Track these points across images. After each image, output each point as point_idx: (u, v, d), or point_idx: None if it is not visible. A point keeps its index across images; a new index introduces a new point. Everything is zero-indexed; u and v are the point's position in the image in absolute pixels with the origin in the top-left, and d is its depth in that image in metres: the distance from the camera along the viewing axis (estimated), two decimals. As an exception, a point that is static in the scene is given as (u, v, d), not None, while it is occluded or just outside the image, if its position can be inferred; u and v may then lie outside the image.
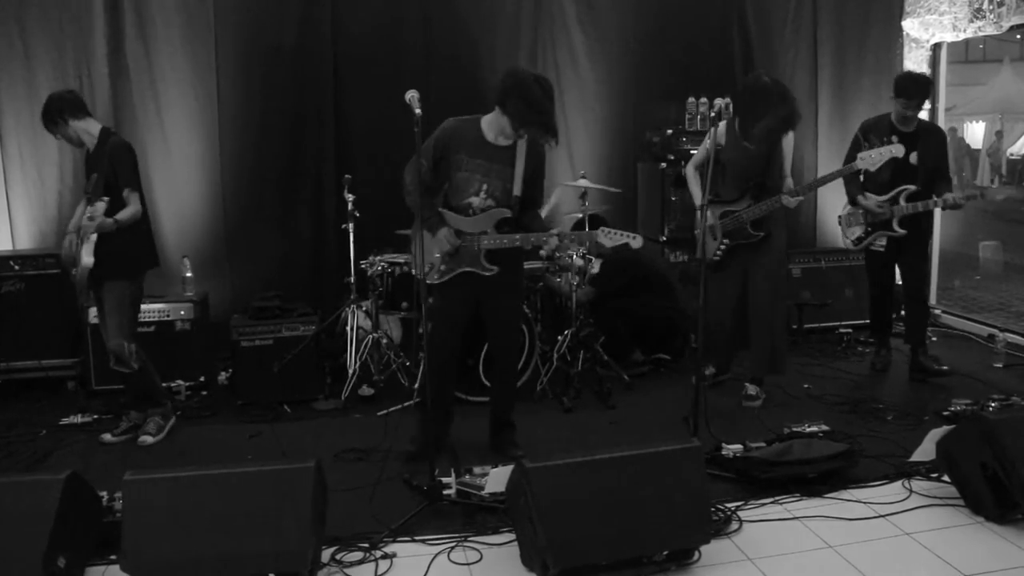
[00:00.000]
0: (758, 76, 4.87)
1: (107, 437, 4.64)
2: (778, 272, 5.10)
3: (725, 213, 5.01)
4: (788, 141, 4.92)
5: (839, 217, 5.77)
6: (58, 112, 4.42)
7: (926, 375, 5.56)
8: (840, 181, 5.34)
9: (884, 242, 5.48)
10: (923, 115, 7.11)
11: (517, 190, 4.12)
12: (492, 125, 4.06)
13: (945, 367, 5.61)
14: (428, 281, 4.13)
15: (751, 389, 5.16)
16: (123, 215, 4.36)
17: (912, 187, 5.30)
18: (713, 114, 4.47)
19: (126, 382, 4.66)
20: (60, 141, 4.59)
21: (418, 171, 3.91)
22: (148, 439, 4.57)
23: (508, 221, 4.16)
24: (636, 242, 4.18)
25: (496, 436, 4.51)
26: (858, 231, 5.55)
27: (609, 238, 4.17)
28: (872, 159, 4.73)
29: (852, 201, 5.55)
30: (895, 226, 5.36)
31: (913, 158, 5.29)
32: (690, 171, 5.25)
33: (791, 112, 4.71)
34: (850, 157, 5.43)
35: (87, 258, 4.29)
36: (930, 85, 5.36)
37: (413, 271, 4.38)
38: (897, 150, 4.71)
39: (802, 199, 4.87)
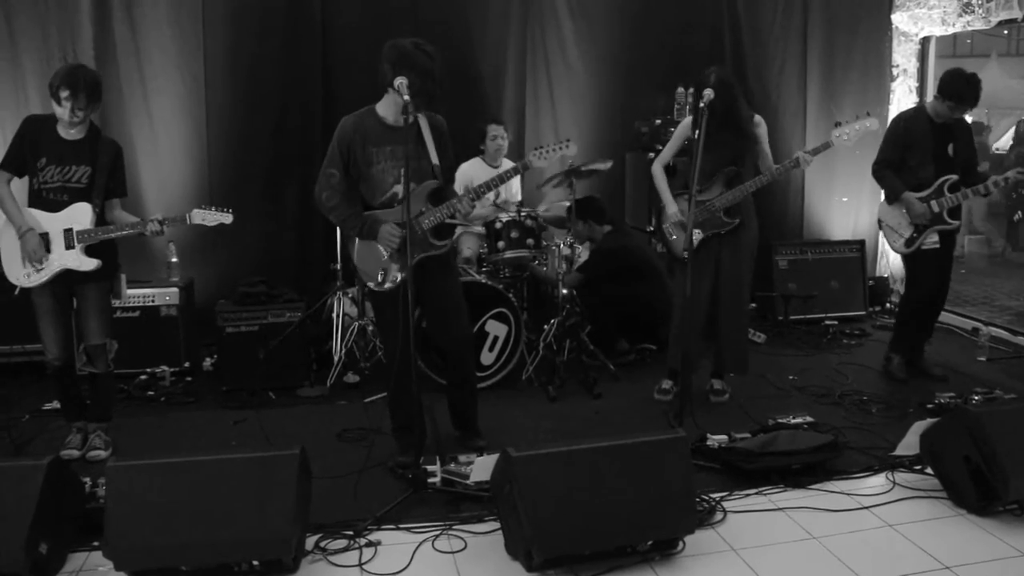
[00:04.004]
0: (731, 77, 4.70)
1: (74, 453, 4.30)
2: (749, 265, 4.95)
3: (696, 204, 4.74)
4: (762, 131, 4.80)
5: (879, 221, 5.46)
6: (101, 92, 4.07)
7: (925, 377, 5.44)
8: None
9: (936, 238, 5.19)
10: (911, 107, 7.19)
11: (435, 159, 3.99)
12: (388, 108, 3.92)
13: (940, 372, 5.49)
14: (388, 287, 4.02)
15: (717, 384, 5.11)
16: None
17: (954, 176, 5.11)
18: (702, 104, 4.34)
19: (95, 385, 4.39)
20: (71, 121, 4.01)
21: (331, 184, 3.90)
22: (101, 453, 4.28)
23: (438, 193, 4.05)
24: (570, 149, 4.04)
25: (459, 428, 4.44)
26: (908, 231, 5.23)
27: (543, 158, 4.03)
28: (848, 135, 4.58)
29: (894, 198, 5.26)
30: (947, 218, 5.13)
31: (951, 150, 5.15)
32: (657, 170, 5.00)
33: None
34: (887, 153, 5.26)
35: (89, 260, 4.09)
36: (980, 88, 4.96)
37: (369, 284, 4.12)
38: (872, 124, 4.58)
39: (814, 160, 4.63)
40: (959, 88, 4.99)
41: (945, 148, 5.13)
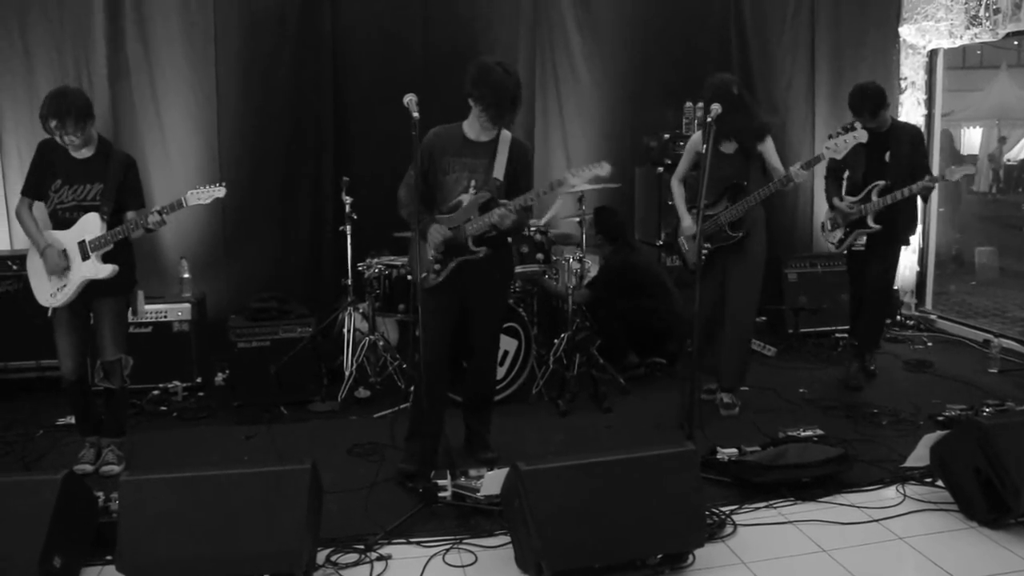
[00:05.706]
0: (728, 83, 4.79)
1: (87, 468, 4.33)
2: (756, 278, 4.99)
3: (704, 218, 4.76)
4: (768, 145, 4.84)
5: (822, 224, 5.80)
6: (90, 111, 4.15)
7: (848, 383, 5.59)
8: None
9: (864, 240, 5.49)
10: (919, 119, 7.22)
11: (498, 173, 4.11)
12: (472, 123, 4.09)
13: (861, 386, 5.58)
14: (429, 285, 4.13)
15: (726, 397, 5.09)
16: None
17: (883, 182, 5.30)
18: (709, 119, 4.38)
19: (111, 400, 4.43)
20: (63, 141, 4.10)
21: (414, 185, 3.94)
22: (114, 468, 4.30)
23: (489, 205, 4.12)
24: (603, 169, 4.12)
25: (470, 442, 4.49)
26: (838, 233, 5.55)
27: (579, 176, 4.12)
28: (837, 146, 4.67)
29: (829, 204, 5.57)
30: (870, 222, 5.35)
31: (887, 157, 5.33)
32: (674, 185, 5.17)
33: (761, 124, 4.86)
34: (829, 162, 5.33)
35: (104, 266, 4.15)
36: (880, 94, 5.29)
37: (409, 277, 4.31)
38: (860, 135, 4.67)
39: (807, 174, 4.72)
40: (854, 101, 5.32)
41: (881, 155, 5.30)
